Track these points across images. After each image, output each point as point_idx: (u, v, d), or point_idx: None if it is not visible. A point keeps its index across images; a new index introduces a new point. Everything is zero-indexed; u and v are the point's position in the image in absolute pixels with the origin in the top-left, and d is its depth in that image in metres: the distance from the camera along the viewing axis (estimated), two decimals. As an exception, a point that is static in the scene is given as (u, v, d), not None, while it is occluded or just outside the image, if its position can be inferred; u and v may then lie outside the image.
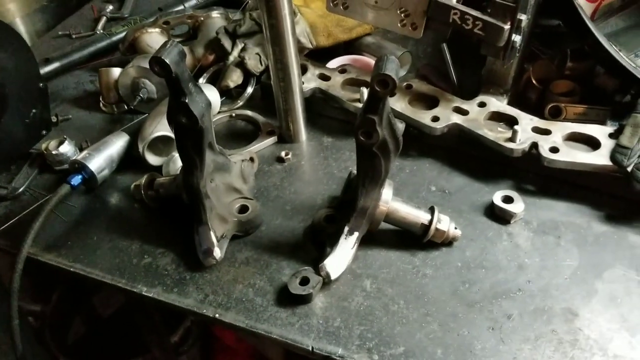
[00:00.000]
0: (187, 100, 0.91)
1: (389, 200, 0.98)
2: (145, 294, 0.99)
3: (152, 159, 1.19)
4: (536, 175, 1.11)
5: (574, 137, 1.09)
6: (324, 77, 1.29)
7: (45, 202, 1.09)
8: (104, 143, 1.20)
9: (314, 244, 1.03)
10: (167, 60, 0.86)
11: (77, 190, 1.15)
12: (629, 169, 0.99)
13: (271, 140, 1.25)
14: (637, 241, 0.99)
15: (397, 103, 1.19)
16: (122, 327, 1.78)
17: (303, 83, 1.24)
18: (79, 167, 1.15)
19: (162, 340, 1.70)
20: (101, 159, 1.16)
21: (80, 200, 1.17)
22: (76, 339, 1.77)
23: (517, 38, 1.07)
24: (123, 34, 1.52)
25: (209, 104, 0.96)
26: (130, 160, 1.21)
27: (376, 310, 0.93)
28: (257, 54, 1.34)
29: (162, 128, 1.16)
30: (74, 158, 1.17)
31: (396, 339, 0.89)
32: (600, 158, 1.03)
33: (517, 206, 1.03)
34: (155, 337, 1.71)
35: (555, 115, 1.17)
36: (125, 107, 1.35)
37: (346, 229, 0.98)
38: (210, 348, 1.83)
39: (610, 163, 1.02)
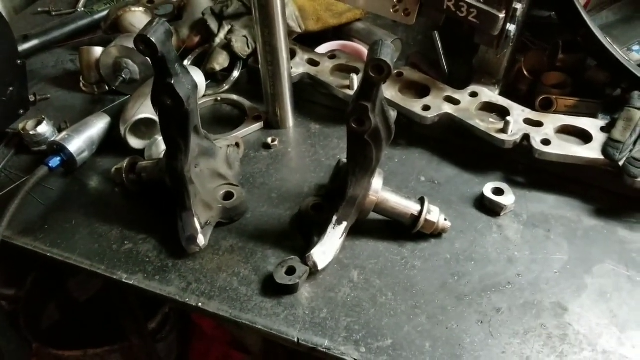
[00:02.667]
0: (172, 82, 0.88)
1: (379, 189, 0.96)
2: (126, 281, 0.96)
3: (134, 142, 1.15)
4: (527, 168, 1.10)
5: (566, 130, 1.08)
6: (313, 63, 1.26)
7: (21, 184, 1.06)
8: (84, 124, 1.16)
9: (300, 233, 1.01)
10: (153, 39, 0.82)
11: (55, 173, 1.11)
12: (620, 163, 0.99)
13: (257, 125, 1.22)
14: (627, 236, 0.99)
15: (388, 91, 1.16)
16: (98, 312, 1.75)
17: (291, 68, 1.21)
18: (58, 148, 1.11)
19: (139, 326, 1.67)
20: (81, 141, 1.13)
21: (58, 183, 1.13)
22: (51, 324, 1.73)
23: (511, 27, 1.05)
24: (105, 12, 1.47)
25: (195, 86, 0.93)
26: (111, 143, 1.17)
27: (364, 302, 0.91)
28: (245, 36, 1.31)
29: (145, 110, 1.13)
30: (52, 139, 1.13)
31: (384, 331, 0.87)
32: (592, 151, 1.02)
33: (508, 198, 1.02)
34: (133, 324, 1.68)
35: (546, 107, 1.16)
36: (107, 87, 1.31)
37: (334, 218, 0.95)
38: (189, 335, 1.81)
39: (602, 157, 1.01)
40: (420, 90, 1.18)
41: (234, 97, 1.28)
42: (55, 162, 1.10)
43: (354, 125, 0.86)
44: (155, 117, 1.08)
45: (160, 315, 1.72)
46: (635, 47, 1.21)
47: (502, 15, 1.02)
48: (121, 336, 1.64)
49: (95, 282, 1.83)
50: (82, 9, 1.59)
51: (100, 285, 1.83)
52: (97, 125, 1.17)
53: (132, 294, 1.58)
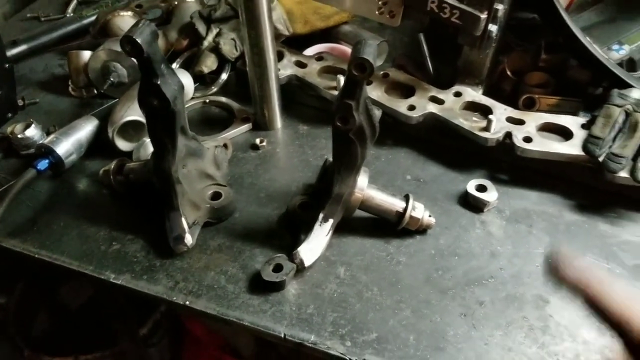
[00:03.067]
0: (159, 82, 0.89)
1: (365, 187, 0.97)
2: (114, 281, 0.97)
3: (122, 144, 1.16)
4: (510, 165, 1.11)
5: (547, 128, 1.09)
6: (300, 65, 1.28)
7: (10, 187, 1.06)
8: (73, 127, 1.17)
9: (288, 232, 1.02)
10: (138, 40, 0.84)
11: (43, 175, 1.12)
12: (600, 159, 1.00)
13: (246, 127, 1.23)
14: (608, 230, 1.01)
15: (374, 91, 1.18)
16: (90, 319, 1.75)
17: (279, 70, 1.22)
18: (46, 151, 1.11)
19: (131, 332, 1.67)
20: (69, 144, 1.13)
21: (46, 186, 1.13)
22: (42, 331, 1.73)
23: (493, 28, 1.07)
24: (94, 17, 1.49)
25: (181, 87, 0.94)
26: (99, 146, 1.18)
27: (350, 297, 0.92)
28: (233, 39, 1.32)
29: (133, 112, 1.14)
30: (40, 142, 1.14)
31: (369, 325, 0.88)
32: (573, 148, 1.04)
33: (491, 195, 1.03)
34: (124, 329, 1.68)
35: (529, 106, 1.18)
36: (95, 91, 1.32)
37: (321, 215, 0.97)
38: (180, 340, 1.80)
39: (582, 153, 1.02)
40: (406, 91, 1.20)
41: (223, 99, 1.30)
42: (43, 164, 1.10)
43: (338, 124, 0.87)
44: (143, 119, 1.09)
45: (151, 321, 1.72)
46: (615, 47, 1.23)
47: (483, 16, 1.04)
48: (113, 342, 1.64)
49: (87, 289, 1.83)
50: (71, 14, 1.60)
51: (91, 291, 1.83)
52: (86, 128, 1.18)
53: (122, 296, 1.59)
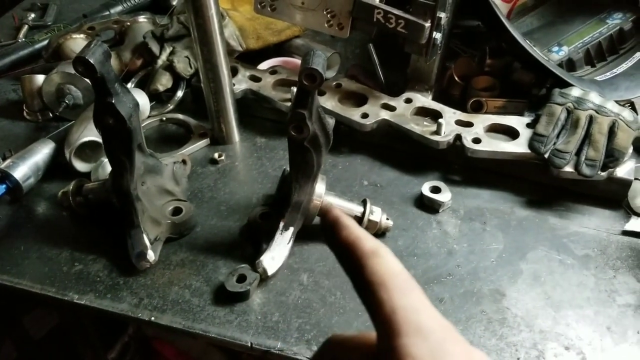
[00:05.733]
0: (113, 101, 0.90)
1: (323, 194, 0.99)
2: (77, 301, 0.96)
3: (80, 166, 1.16)
4: (461, 166, 1.15)
5: (495, 129, 1.14)
6: (254, 79, 1.30)
7: (-34, 213, 1.05)
8: (29, 151, 1.16)
9: (250, 242, 1.04)
10: (91, 60, 0.85)
11: (1, 200, 1.11)
12: (546, 156, 1.05)
13: (204, 142, 1.25)
14: (557, 223, 1.05)
15: (328, 102, 1.21)
16: (55, 348, 1.72)
17: (234, 85, 1.24)
18: (3, 176, 1.10)
19: (98, 357, 1.65)
20: (26, 167, 1.13)
21: (4, 211, 1.12)
22: (8, 363, 1.70)
23: (437, 35, 1.11)
24: (46, 41, 1.48)
25: (136, 104, 0.95)
26: (57, 168, 1.18)
27: (314, 303, 0.94)
28: (187, 57, 1.34)
29: (89, 133, 1.14)
30: (-4, 167, 1.13)
31: (334, 328, 0.90)
32: (519, 147, 1.08)
33: (445, 196, 1.07)
34: (91, 354, 1.66)
35: (477, 109, 1.23)
36: (50, 114, 1.32)
37: (281, 224, 0.99)
38: (150, 363, 1.79)
39: (528, 151, 1.07)
40: (358, 100, 1.23)
41: (179, 116, 1.31)
42: (0, 190, 1.09)
43: (293, 133, 0.90)
44: (100, 139, 1.10)
45: (119, 344, 1.71)
46: (555, 48, 1.29)
47: (427, 25, 1.08)
48: (80, 368, 1.62)
49: (51, 317, 1.81)
50: (23, 39, 1.59)
51: (56, 320, 1.80)
52: (42, 151, 1.17)
53: (89, 322, 1.57)
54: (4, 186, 1.10)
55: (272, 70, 1.32)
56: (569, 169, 1.03)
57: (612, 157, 1.03)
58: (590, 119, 1.07)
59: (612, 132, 1.05)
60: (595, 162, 1.02)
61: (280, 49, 1.47)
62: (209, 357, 1.72)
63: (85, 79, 1.01)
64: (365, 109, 1.19)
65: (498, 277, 0.97)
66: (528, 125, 1.11)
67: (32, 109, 1.32)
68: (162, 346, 1.73)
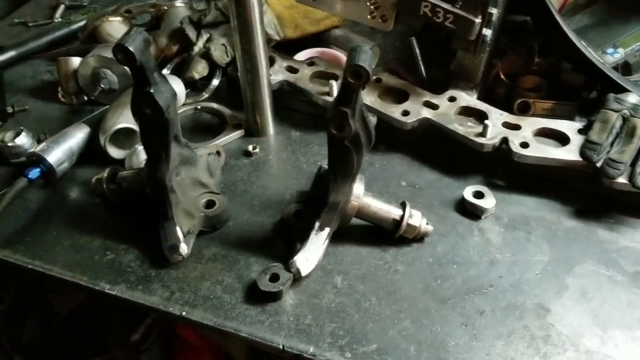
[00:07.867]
0: (152, 90, 0.88)
1: (361, 195, 0.96)
2: (108, 291, 0.95)
3: (115, 152, 1.14)
4: (506, 171, 1.11)
5: (544, 133, 1.09)
6: (292, 70, 1.27)
7: (0, 196, 1.04)
8: (64, 135, 1.15)
9: (282, 240, 1.01)
10: (131, 48, 0.82)
11: (35, 184, 1.10)
12: (598, 165, 1.00)
13: (238, 133, 1.22)
14: (606, 236, 1.00)
15: (367, 97, 1.17)
16: (80, 325, 1.73)
17: (271, 75, 1.21)
18: (37, 159, 1.09)
19: (122, 338, 1.66)
20: (60, 152, 1.12)
21: (38, 195, 1.11)
22: (32, 338, 1.71)
23: (487, 32, 1.07)
24: (82, 23, 1.47)
25: (174, 95, 0.93)
26: (91, 153, 1.16)
27: (348, 307, 0.91)
28: (223, 44, 1.31)
29: (124, 120, 1.12)
30: (31, 150, 1.12)
31: (368, 336, 0.87)
32: (570, 153, 1.04)
33: (488, 201, 1.03)
34: (115, 336, 1.67)
35: (524, 110, 1.18)
36: (85, 98, 1.30)
37: (317, 224, 0.96)
38: (172, 346, 1.79)
39: (579, 158, 1.02)
40: (399, 96, 1.19)
41: (214, 105, 1.28)
42: (34, 173, 1.08)
43: (334, 131, 0.86)
44: (135, 127, 1.08)
45: (143, 327, 1.71)
46: (610, 50, 1.23)
47: (478, 20, 1.04)
48: (104, 349, 1.62)
49: (77, 296, 1.81)
50: (59, 19, 1.58)
51: (82, 298, 1.81)
52: (77, 136, 1.16)
53: (115, 305, 1.57)
54: (38, 170, 1.09)
55: (310, 62, 1.28)
56: (622, 180, 0.98)
57: (669, 170, 0.97)
58: (647, 128, 1.02)
59: (670, 143, 1.00)
60: (652, 174, 0.97)
61: (318, 39, 1.43)
62: (232, 343, 1.72)
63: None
64: (406, 106, 1.15)
65: (542, 290, 0.92)
66: (580, 131, 1.06)
67: (67, 92, 1.31)
68: (185, 330, 1.73)
